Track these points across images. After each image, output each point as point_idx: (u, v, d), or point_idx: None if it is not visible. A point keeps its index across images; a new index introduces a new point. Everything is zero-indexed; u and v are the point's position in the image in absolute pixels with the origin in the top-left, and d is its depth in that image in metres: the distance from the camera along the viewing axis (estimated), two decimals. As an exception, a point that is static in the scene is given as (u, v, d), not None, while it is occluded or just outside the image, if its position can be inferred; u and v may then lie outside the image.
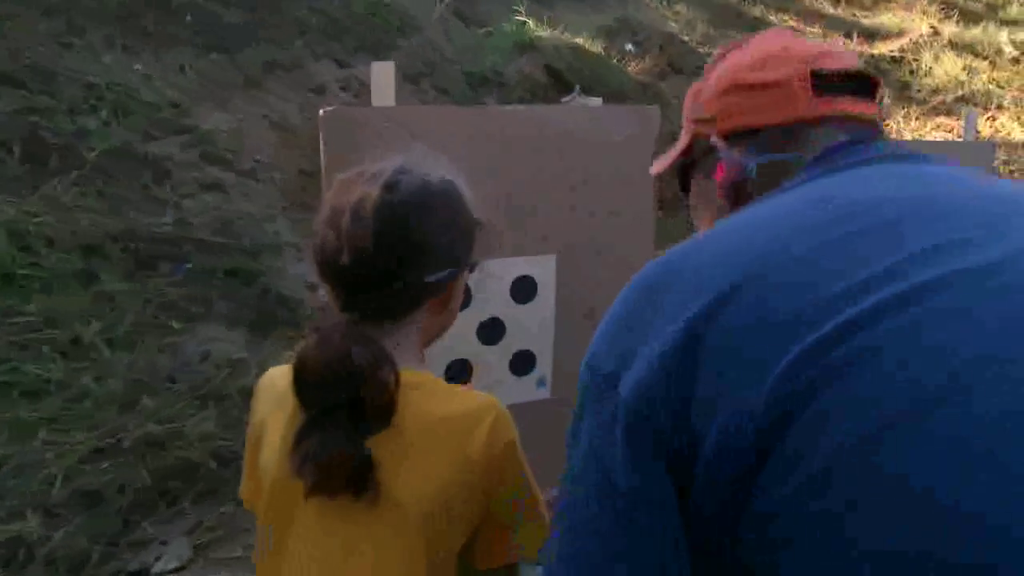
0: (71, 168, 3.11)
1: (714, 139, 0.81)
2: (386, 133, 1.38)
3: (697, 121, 0.84)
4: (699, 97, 0.85)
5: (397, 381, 0.88)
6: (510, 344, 1.56)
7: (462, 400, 0.94)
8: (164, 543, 1.94)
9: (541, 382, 1.62)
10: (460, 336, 1.51)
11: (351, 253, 0.90)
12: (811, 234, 0.56)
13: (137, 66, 3.75)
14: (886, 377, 0.46)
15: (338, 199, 0.93)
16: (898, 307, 0.48)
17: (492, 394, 1.49)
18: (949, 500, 0.42)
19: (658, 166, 0.95)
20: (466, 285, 1.55)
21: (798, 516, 0.46)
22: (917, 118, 5.50)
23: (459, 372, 1.53)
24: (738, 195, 0.79)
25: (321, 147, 1.35)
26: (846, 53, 0.81)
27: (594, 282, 1.61)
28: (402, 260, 0.91)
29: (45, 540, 1.91)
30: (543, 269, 1.56)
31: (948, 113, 5.58)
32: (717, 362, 0.51)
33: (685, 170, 0.91)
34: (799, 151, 0.74)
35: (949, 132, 5.32)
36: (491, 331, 1.54)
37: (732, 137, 0.79)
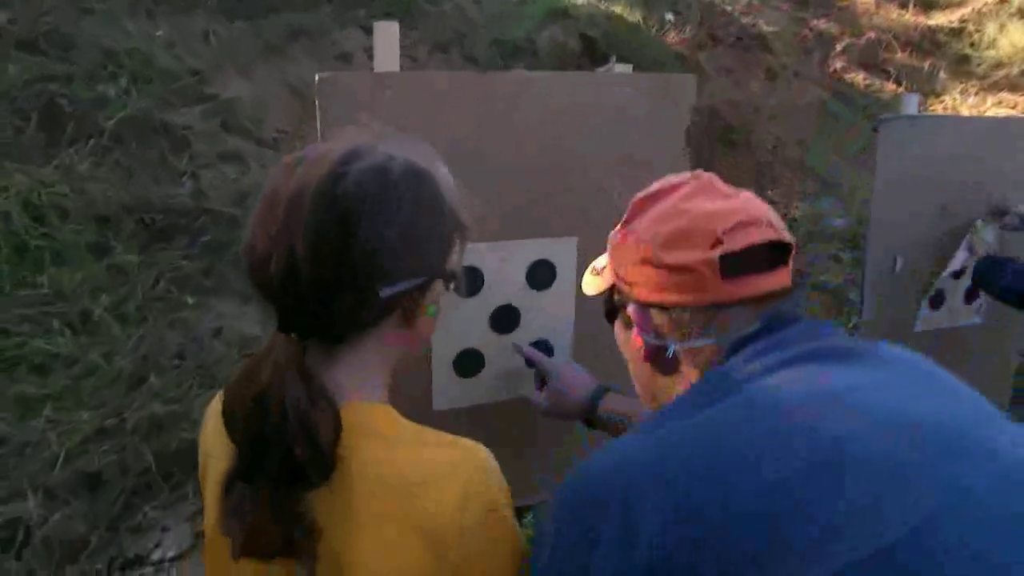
0: (87, 137, 3.03)
1: (632, 308, 0.87)
2: (388, 102, 1.24)
3: (619, 277, 0.89)
4: (620, 252, 0.89)
5: (338, 427, 0.71)
6: (526, 334, 1.43)
7: (428, 451, 0.76)
8: (165, 529, 1.87)
9: (559, 375, 1.48)
10: (471, 324, 1.38)
11: (282, 259, 0.71)
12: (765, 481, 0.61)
13: (158, 32, 3.66)
14: None
15: (275, 189, 0.75)
16: None
17: (504, 387, 1.37)
18: None
19: (589, 289, 1.01)
20: (478, 271, 1.44)
21: None
22: (976, 94, 5.18)
23: (469, 364, 1.40)
24: (660, 367, 0.86)
25: (317, 117, 1.22)
26: (761, 217, 0.82)
27: (619, 267, 1.47)
28: (347, 269, 0.72)
29: (43, 522, 1.85)
30: (563, 253, 1.42)
31: (1012, 88, 5.24)
32: None
33: (610, 307, 0.96)
34: (715, 336, 0.80)
35: (1012, 108, 5.01)
36: (505, 319, 1.41)
37: (651, 306, 0.84)
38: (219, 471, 0.74)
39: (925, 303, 2.05)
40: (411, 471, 0.73)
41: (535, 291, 1.41)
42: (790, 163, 4.11)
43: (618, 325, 0.95)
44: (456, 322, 1.36)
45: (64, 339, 2.35)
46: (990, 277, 1.96)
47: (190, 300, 2.62)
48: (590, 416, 1.27)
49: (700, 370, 0.83)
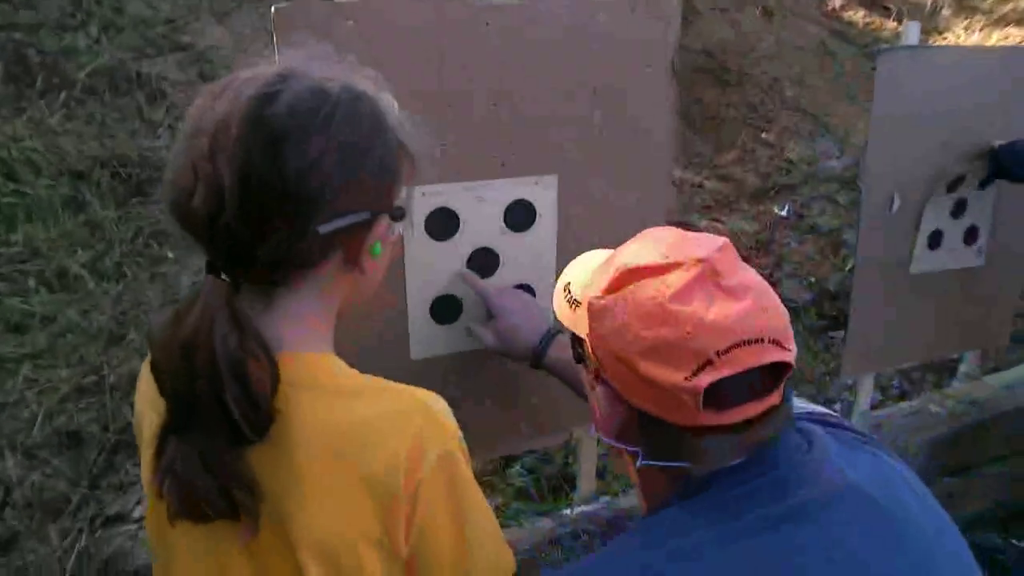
0: (58, 89, 2.93)
1: (602, 390, 0.76)
2: (349, 32, 1.16)
3: (592, 345, 0.76)
4: (597, 325, 0.74)
5: (275, 378, 0.66)
6: (505, 278, 1.37)
7: (374, 402, 0.70)
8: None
9: (542, 320, 1.43)
10: (447, 268, 1.32)
11: (207, 192, 0.64)
12: None
13: (128, -22, 3.51)
14: None
15: (199, 116, 0.68)
16: None
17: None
18: None
19: (562, 317, 0.87)
20: (452, 212, 1.37)
21: None
22: (981, 29, 5.03)
23: (446, 310, 1.35)
24: (625, 441, 0.76)
25: (275, 51, 1.14)
26: (767, 332, 0.68)
27: (603, 207, 1.40)
28: (278, 201, 0.65)
29: (24, 482, 1.82)
30: (543, 192, 1.35)
31: (1020, 22, 5.08)
32: None
33: (576, 355, 0.83)
34: (687, 460, 0.71)
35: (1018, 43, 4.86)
36: (483, 263, 1.35)
37: (621, 400, 0.73)
38: (153, 430, 0.69)
39: (923, 243, 1.98)
40: (355, 424, 0.68)
41: (514, 233, 1.35)
42: (786, 103, 4.00)
43: (584, 371, 0.83)
44: (431, 266, 1.30)
45: (40, 297, 2.29)
46: (1013, 160, 1.88)
47: (170, 254, 2.55)
48: (537, 361, 1.21)
49: (669, 479, 0.74)
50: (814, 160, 3.78)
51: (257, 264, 0.68)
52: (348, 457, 0.67)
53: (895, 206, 1.92)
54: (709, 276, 0.69)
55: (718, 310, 0.67)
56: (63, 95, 2.91)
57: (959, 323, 2.14)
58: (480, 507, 0.73)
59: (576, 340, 0.82)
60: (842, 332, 2.85)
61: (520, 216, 1.35)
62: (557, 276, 1.47)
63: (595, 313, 0.74)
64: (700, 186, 3.53)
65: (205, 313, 0.64)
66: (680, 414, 0.69)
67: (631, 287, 0.72)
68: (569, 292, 0.86)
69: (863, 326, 1.97)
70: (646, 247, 0.75)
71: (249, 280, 0.69)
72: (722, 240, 0.73)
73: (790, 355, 0.69)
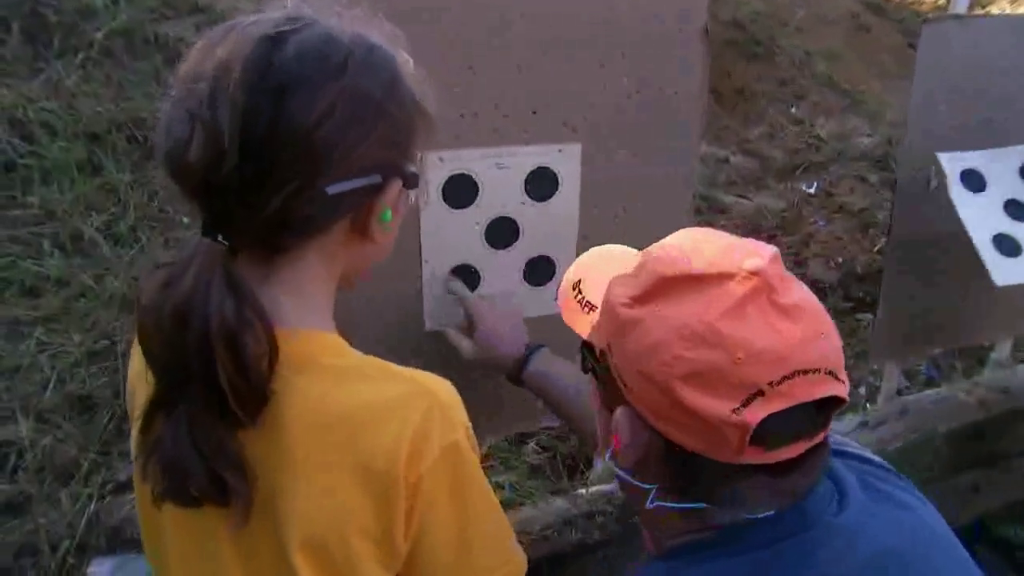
0: (75, 50, 2.89)
1: (621, 411, 0.66)
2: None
3: (613, 361, 0.66)
4: (622, 337, 0.64)
5: (273, 353, 0.60)
6: (525, 249, 1.32)
7: (375, 386, 0.65)
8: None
9: (562, 294, 1.38)
10: (465, 238, 1.27)
11: (204, 144, 0.58)
12: None
13: (147, -62, 3.45)
14: None
15: (198, 60, 0.61)
16: None
17: (500, 304, 1.26)
18: None
19: (572, 321, 0.78)
20: (471, 179, 1.31)
21: None
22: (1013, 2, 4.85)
23: (464, 281, 1.30)
24: (642, 474, 0.67)
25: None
26: (823, 362, 0.60)
27: (627, 176, 1.34)
28: (283, 156, 0.59)
29: (35, 445, 1.81)
30: (566, 160, 1.29)
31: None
32: None
33: (586, 366, 0.73)
34: (715, 502, 0.64)
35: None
36: (502, 233, 1.29)
37: (645, 424, 0.64)
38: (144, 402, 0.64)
39: (991, 249, 1.69)
40: (354, 410, 0.63)
41: (535, 202, 1.29)
42: (817, 78, 3.88)
43: (595, 387, 0.73)
44: (448, 235, 1.25)
45: (54, 260, 2.28)
46: None
47: (185, 219, 2.52)
48: (516, 378, 1.14)
49: (683, 520, 0.66)
50: (845, 137, 3.68)
51: (256, 226, 0.62)
52: (344, 445, 0.62)
53: (932, 186, 1.84)
54: (764, 292, 0.60)
55: (773, 334, 0.59)
56: (80, 56, 2.88)
57: (994, 309, 2.06)
58: (486, 502, 0.69)
59: (588, 349, 0.72)
60: (869, 315, 2.78)
61: (541, 185, 1.29)
62: (579, 249, 1.43)
63: (623, 325, 0.64)
64: (726, 161, 3.44)
65: (200, 278, 0.58)
66: (719, 450, 0.60)
67: (671, 299, 0.62)
68: (580, 292, 0.78)
69: (894, 311, 1.90)
70: (687, 252, 0.65)
71: (247, 245, 0.64)
72: (772, 249, 0.64)
73: (844, 388, 0.62)
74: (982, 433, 2.24)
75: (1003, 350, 2.42)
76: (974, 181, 1.78)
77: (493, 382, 1.39)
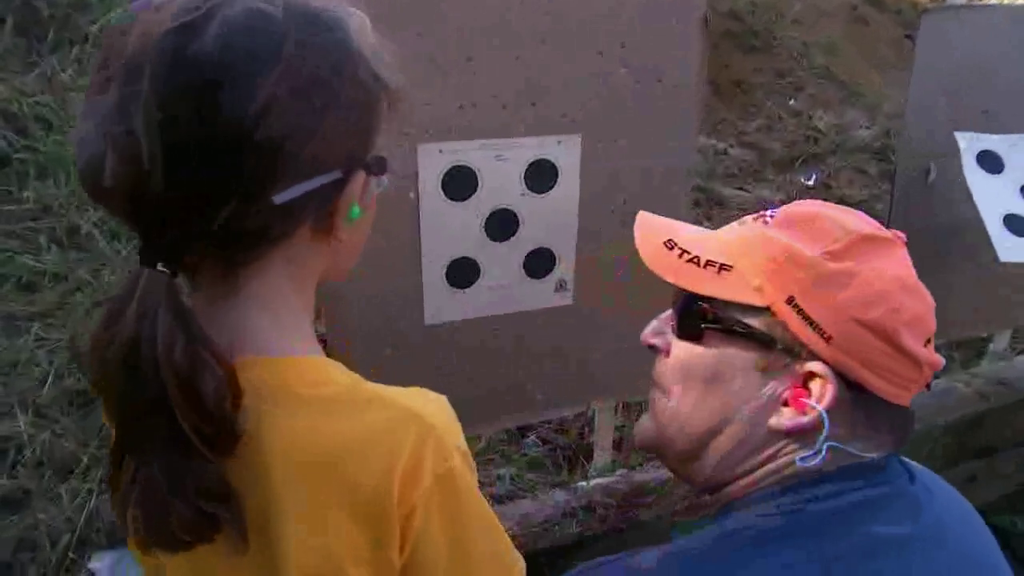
0: (69, 44, 2.87)
1: (820, 367, 0.65)
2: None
3: (799, 315, 0.65)
4: (824, 291, 0.64)
5: (235, 391, 0.54)
6: (524, 241, 1.31)
7: (359, 414, 0.58)
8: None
9: (562, 286, 1.38)
10: (465, 230, 1.27)
11: (121, 164, 0.50)
12: None
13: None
14: None
15: (105, 57, 0.52)
16: None
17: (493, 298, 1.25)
18: None
19: (685, 280, 0.71)
20: (470, 171, 1.31)
21: None
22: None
23: (462, 274, 1.29)
24: (796, 437, 0.67)
25: None
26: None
27: (627, 167, 1.33)
28: (221, 171, 0.51)
29: (34, 440, 1.80)
30: (565, 151, 1.28)
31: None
32: None
33: (705, 318, 0.69)
34: (872, 452, 0.67)
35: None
36: (501, 225, 1.29)
37: (843, 378, 0.65)
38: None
39: (999, 226, 1.71)
40: (339, 444, 0.57)
41: (535, 194, 1.29)
42: (815, 70, 3.87)
43: (710, 354, 0.70)
44: (448, 228, 1.24)
45: (51, 255, 2.27)
46: None
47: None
48: None
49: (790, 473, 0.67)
50: (843, 129, 3.67)
51: (201, 248, 0.55)
52: (333, 482, 0.57)
53: (932, 176, 1.83)
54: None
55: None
56: (75, 50, 2.86)
57: (993, 301, 2.06)
58: (481, 523, 0.64)
59: (696, 306, 0.70)
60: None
61: (541, 176, 1.28)
62: (578, 240, 1.42)
63: (831, 276, 0.65)
64: (724, 153, 3.43)
65: (143, 315, 0.51)
66: (905, 393, 0.66)
67: (872, 254, 0.66)
68: (683, 249, 0.72)
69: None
70: (850, 216, 0.69)
71: (197, 266, 0.58)
72: None
73: None
74: (980, 424, 2.25)
75: (1001, 341, 2.42)
76: (991, 162, 1.79)
77: (492, 376, 1.39)
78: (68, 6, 2.93)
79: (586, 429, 2.10)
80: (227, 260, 0.58)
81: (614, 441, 1.74)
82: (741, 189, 3.30)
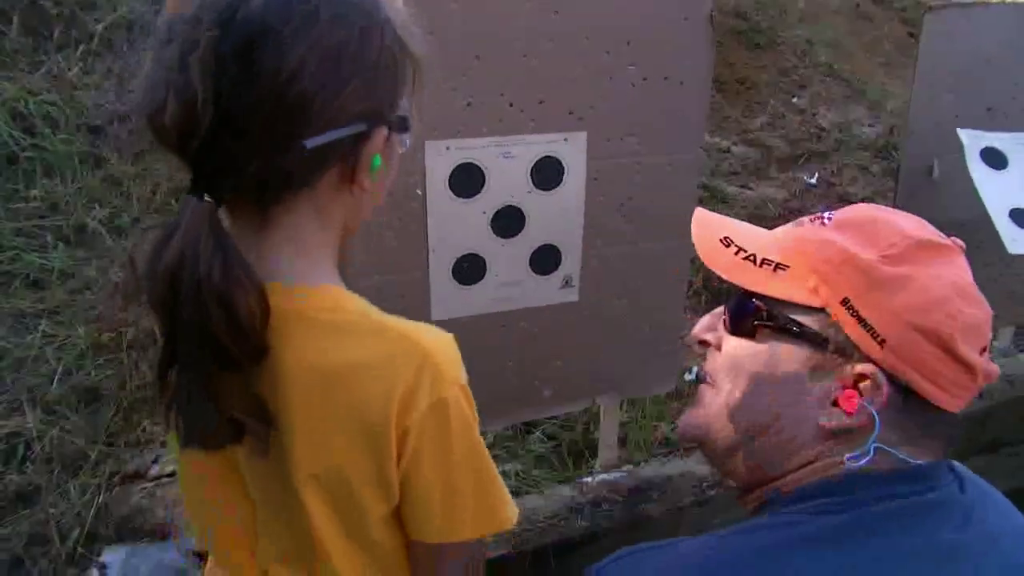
0: (76, 42, 2.88)
1: (871, 369, 0.65)
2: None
3: (857, 318, 0.65)
4: (882, 295, 0.65)
5: (264, 308, 0.62)
6: (531, 238, 1.32)
7: (369, 341, 0.66)
8: (164, 444, 1.83)
9: (567, 282, 1.39)
10: (472, 227, 1.27)
11: (179, 107, 0.58)
12: None
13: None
14: None
15: (170, 22, 0.61)
16: None
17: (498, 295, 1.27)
18: None
19: (742, 277, 0.71)
20: (477, 168, 1.32)
21: None
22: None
23: (469, 270, 1.30)
24: (838, 439, 0.67)
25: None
26: None
27: (633, 165, 1.34)
28: (256, 113, 0.59)
29: (43, 437, 1.81)
30: (571, 149, 1.29)
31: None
32: None
33: (759, 318, 0.70)
34: (920, 458, 0.67)
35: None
36: (508, 222, 1.30)
37: (897, 383, 0.65)
38: None
39: (1006, 220, 1.73)
40: (346, 366, 0.66)
41: (541, 191, 1.29)
42: (819, 68, 3.87)
43: (760, 351, 0.70)
44: (455, 224, 1.25)
45: (58, 253, 2.28)
46: None
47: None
48: None
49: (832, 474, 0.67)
50: (846, 127, 3.67)
51: (241, 184, 0.62)
52: (339, 402, 0.65)
53: (936, 172, 1.84)
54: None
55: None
56: (81, 48, 2.87)
57: (997, 298, 2.06)
58: (474, 455, 0.70)
59: (749, 305, 0.70)
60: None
61: (547, 174, 1.29)
62: (584, 237, 1.43)
63: (887, 281, 0.65)
64: (728, 151, 3.43)
65: (187, 238, 0.59)
66: (957, 400, 0.66)
67: (931, 260, 0.66)
68: (738, 248, 0.73)
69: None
70: (909, 220, 0.69)
71: (238, 200, 0.65)
72: None
73: None
74: (984, 420, 2.26)
75: (1005, 338, 2.43)
76: (995, 158, 1.79)
77: (498, 371, 1.40)
78: (75, 4, 2.94)
79: (591, 425, 2.11)
80: (261, 198, 0.65)
81: (619, 437, 1.74)
82: (744, 187, 3.31)
